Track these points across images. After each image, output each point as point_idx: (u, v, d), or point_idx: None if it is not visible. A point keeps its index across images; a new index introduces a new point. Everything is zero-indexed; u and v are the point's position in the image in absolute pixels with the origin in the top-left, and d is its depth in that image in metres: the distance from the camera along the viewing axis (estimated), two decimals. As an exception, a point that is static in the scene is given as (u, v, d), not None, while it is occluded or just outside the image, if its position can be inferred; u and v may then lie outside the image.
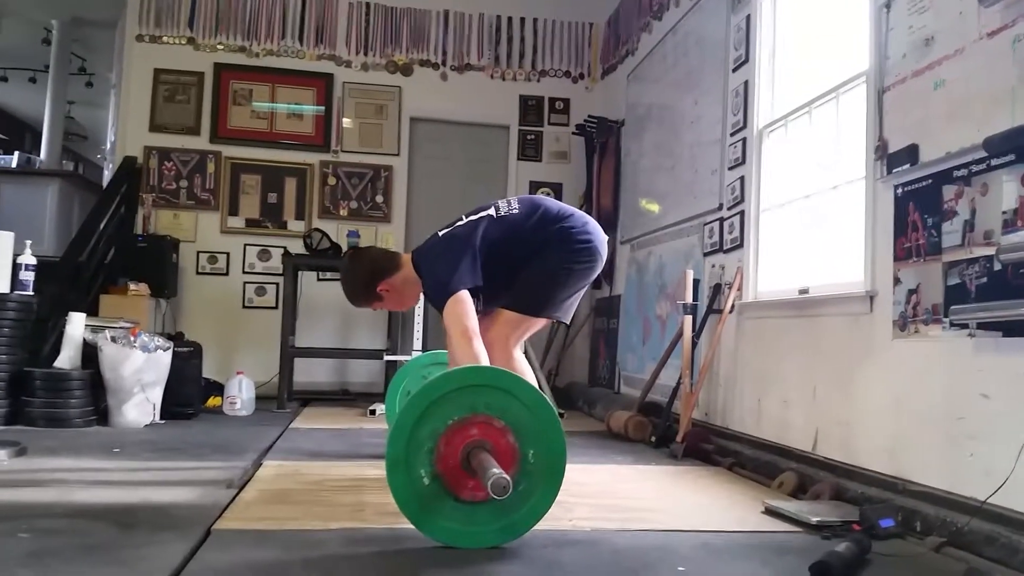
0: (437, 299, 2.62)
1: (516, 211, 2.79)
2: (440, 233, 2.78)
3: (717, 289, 4.09)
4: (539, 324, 2.86)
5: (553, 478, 2.13)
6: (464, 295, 2.55)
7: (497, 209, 2.79)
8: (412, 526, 2.18)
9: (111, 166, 6.51)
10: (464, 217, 2.79)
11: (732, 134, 4.11)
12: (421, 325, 5.09)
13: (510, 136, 6.73)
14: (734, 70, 4.14)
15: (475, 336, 2.48)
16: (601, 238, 2.85)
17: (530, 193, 6.65)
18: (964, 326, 2.34)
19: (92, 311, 4.86)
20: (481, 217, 2.75)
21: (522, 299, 2.78)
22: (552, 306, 2.79)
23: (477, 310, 2.63)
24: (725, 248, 4.10)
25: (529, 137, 6.76)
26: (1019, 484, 2.09)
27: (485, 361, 2.42)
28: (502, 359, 2.68)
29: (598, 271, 2.87)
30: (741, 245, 3.91)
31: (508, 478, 1.92)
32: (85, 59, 9.13)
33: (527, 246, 2.74)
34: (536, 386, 2.71)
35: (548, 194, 6.72)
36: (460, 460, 2.06)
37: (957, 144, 2.44)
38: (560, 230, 2.76)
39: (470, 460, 2.05)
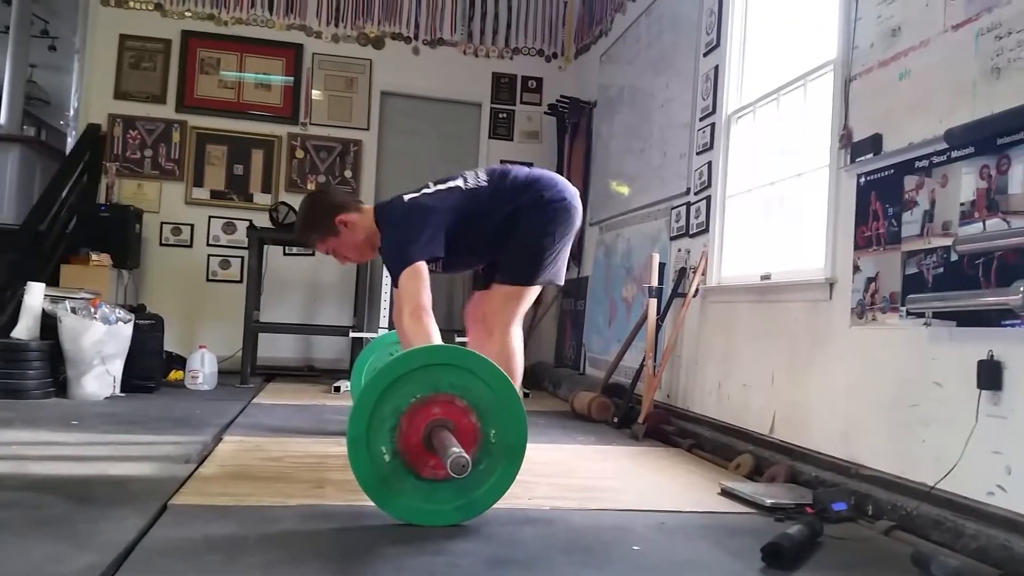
0: (393, 265, 2.56)
1: (485, 183, 2.75)
2: (405, 197, 2.70)
3: (682, 273, 4.12)
4: (534, 292, 2.82)
5: (514, 458, 2.14)
6: (421, 268, 2.50)
7: (465, 180, 2.75)
8: (372, 503, 2.18)
9: (74, 133, 6.36)
10: (431, 185, 2.74)
11: (701, 119, 4.12)
12: (388, 302, 5.07)
13: (482, 114, 6.69)
14: (705, 54, 4.15)
15: (426, 313, 2.44)
16: (572, 192, 2.85)
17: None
18: (920, 315, 2.38)
19: (52, 281, 4.77)
20: (450, 188, 2.71)
21: (512, 271, 2.77)
22: (543, 271, 2.77)
23: (433, 272, 2.60)
24: (691, 232, 4.13)
25: (501, 116, 6.73)
26: (967, 470, 2.15)
27: (437, 338, 2.39)
28: (500, 337, 2.72)
29: (577, 225, 2.87)
30: (707, 230, 3.94)
31: (468, 457, 1.93)
32: (48, 21, 8.88)
33: (500, 217, 2.72)
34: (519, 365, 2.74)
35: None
36: (422, 438, 2.07)
37: (919, 135, 2.47)
38: (533, 197, 2.75)
39: (431, 439, 2.05)
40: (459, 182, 2.75)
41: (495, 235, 2.75)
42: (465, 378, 2.10)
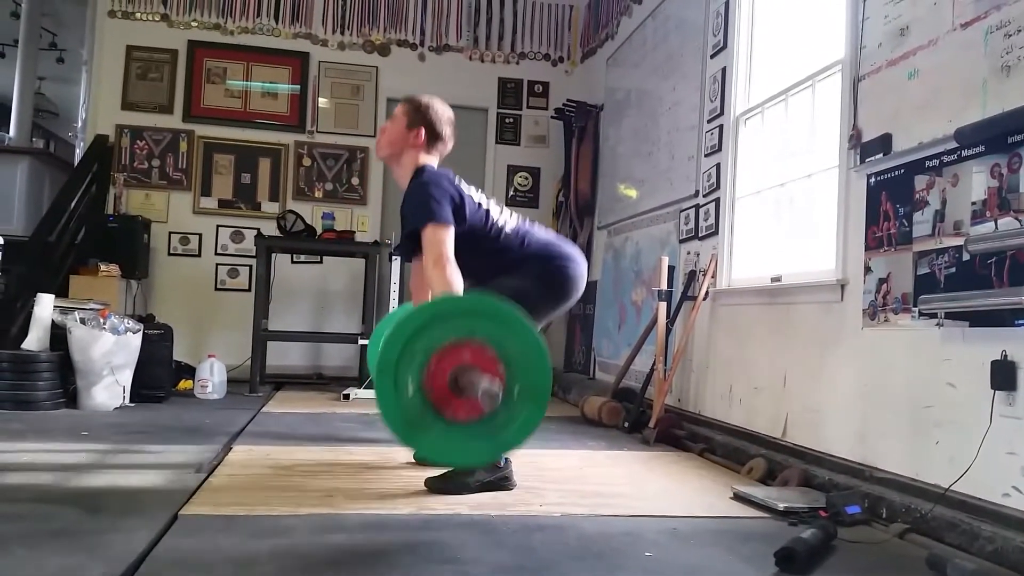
0: (416, 215, 2.54)
1: (504, 220, 2.73)
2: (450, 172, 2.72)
3: (692, 276, 4.10)
4: None
5: (539, 402, 2.12)
6: (447, 225, 2.49)
7: (496, 210, 2.73)
8: (384, 512, 2.18)
9: (82, 144, 6.40)
10: (468, 186, 2.73)
11: (709, 121, 4.11)
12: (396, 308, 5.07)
13: (488, 119, 6.69)
14: (712, 56, 4.14)
15: (450, 263, 2.42)
16: (583, 268, 2.82)
17: (507, 178, 6.65)
18: (932, 315, 2.36)
19: (61, 292, 4.79)
20: (480, 204, 2.69)
21: None
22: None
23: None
24: (700, 235, 4.11)
25: (507, 120, 6.73)
26: (981, 472, 2.13)
27: (459, 288, 2.38)
28: None
29: (573, 300, 2.83)
30: (716, 232, 3.92)
31: (499, 389, 1.93)
32: (56, 34, 8.95)
33: (507, 258, 2.69)
34: None
35: (526, 179, 6.72)
36: (448, 380, 2.05)
37: (929, 134, 2.45)
38: (544, 247, 2.73)
39: (458, 380, 2.04)
40: (480, 197, 2.72)
41: (489, 269, 2.68)
42: (500, 330, 2.09)
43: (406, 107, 2.80)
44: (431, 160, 2.77)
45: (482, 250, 2.66)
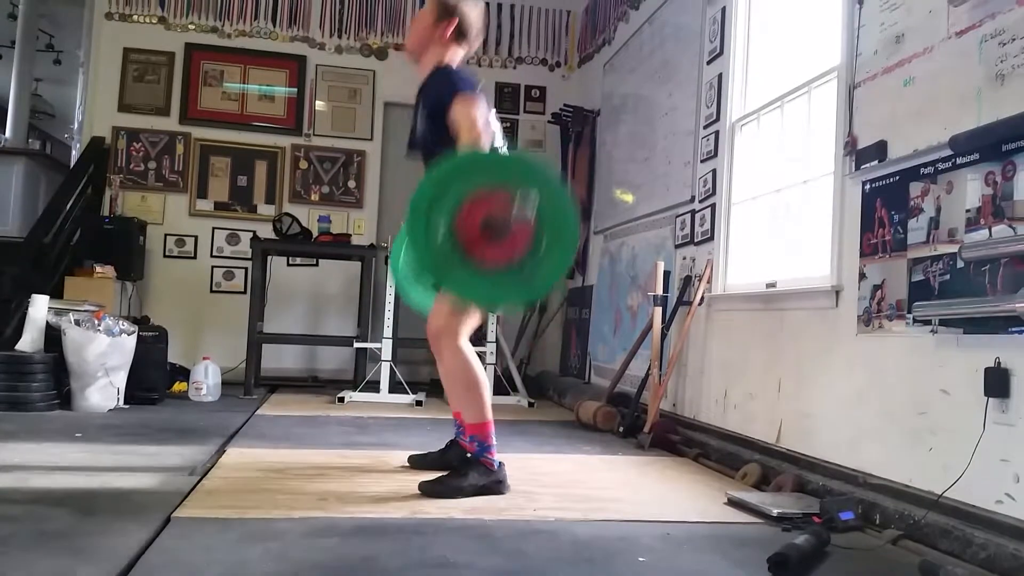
0: (443, 91, 2.55)
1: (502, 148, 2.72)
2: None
3: (687, 281, 4.10)
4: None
5: (566, 248, 2.21)
6: (478, 98, 2.52)
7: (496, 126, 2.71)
8: (377, 516, 2.18)
9: (78, 146, 6.39)
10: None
11: (705, 127, 4.12)
12: (392, 312, 5.07)
13: (485, 123, 6.68)
14: (709, 62, 4.15)
15: (485, 132, 2.44)
16: None
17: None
18: (927, 322, 2.37)
19: (56, 293, 4.78)
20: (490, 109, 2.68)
21: None
22: None
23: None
24: (696, 240, 4.12)
25: (505, 125, 6.65)
26: (975, 479, 2.13)
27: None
28: (450, 356, 2.57)
29: None
30: (712, 238, 3.93)
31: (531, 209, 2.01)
32: (53, 36, 8.93)
33: None
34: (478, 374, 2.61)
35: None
36: (480, 224, 2.10)
37: (924, 142, 2.46)
38: None
39: (489, 223, 2.09)
40: (497, 131, 2.71)
41: None
42: (530, 183, 2.14)
43: (435, 1, 2.77)
44: (456, 57, 2.77)
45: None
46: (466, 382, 2.56)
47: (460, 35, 2.76)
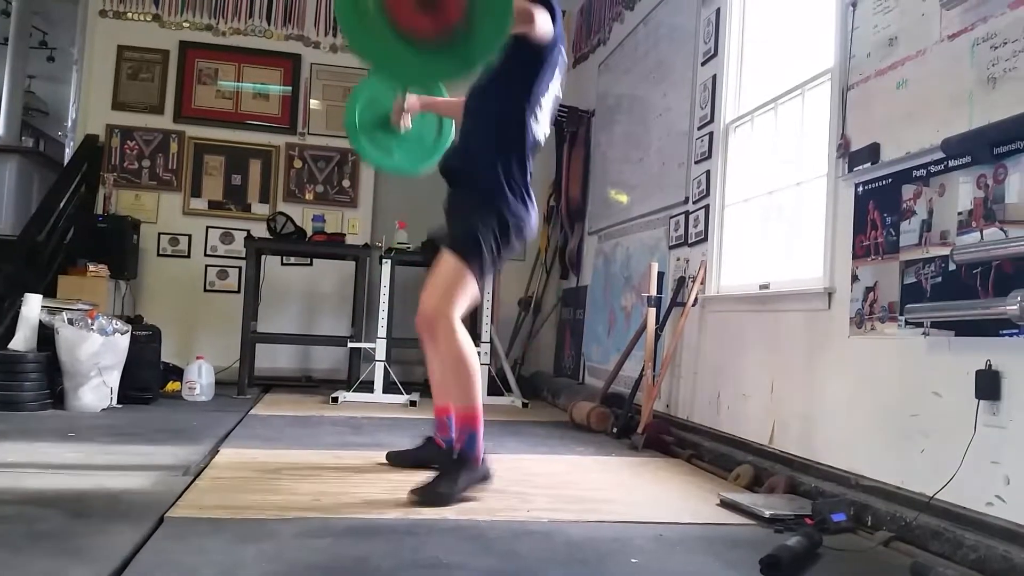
0: None
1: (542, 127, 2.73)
2: None
3: (681, 282, 4.11)
4: (471, 283, 2.60)
5: (501, 14, 2.07)
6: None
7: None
8: (371, 517, 2.18)
9: (72, 144, 6.37)
10: None
11: (699, 128, 4.13)
12: (386, 312, 5.07)
13: (480, 123, 6.68)
14: (703, 63, 4.16)
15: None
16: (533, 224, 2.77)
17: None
18: (919, 324, 2.38)
19: (49, 292, 4.76)
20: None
21: (454, 235, 2.65)
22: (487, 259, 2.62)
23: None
24: (690, 241, 4.12)
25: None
26: (966, 481, 2.14)
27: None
28: (445, 338, 2.52)
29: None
30: (705, 239, 3.94)
31: None
32: (47, 32, 8.91)
33: (509, 139, 2.65)
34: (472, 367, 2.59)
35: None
36: None
37: (917, 144, 2.47)
38: (524, 188, 2.68)
39: None
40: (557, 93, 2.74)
41: (483, 141, 2.66)
42: None
43: None
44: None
45: (508, 110, 2.63)
46: (460, 365, 2.54)
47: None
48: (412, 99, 3.04)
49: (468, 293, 2.59)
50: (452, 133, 3.20)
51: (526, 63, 2.59)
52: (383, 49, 2.08)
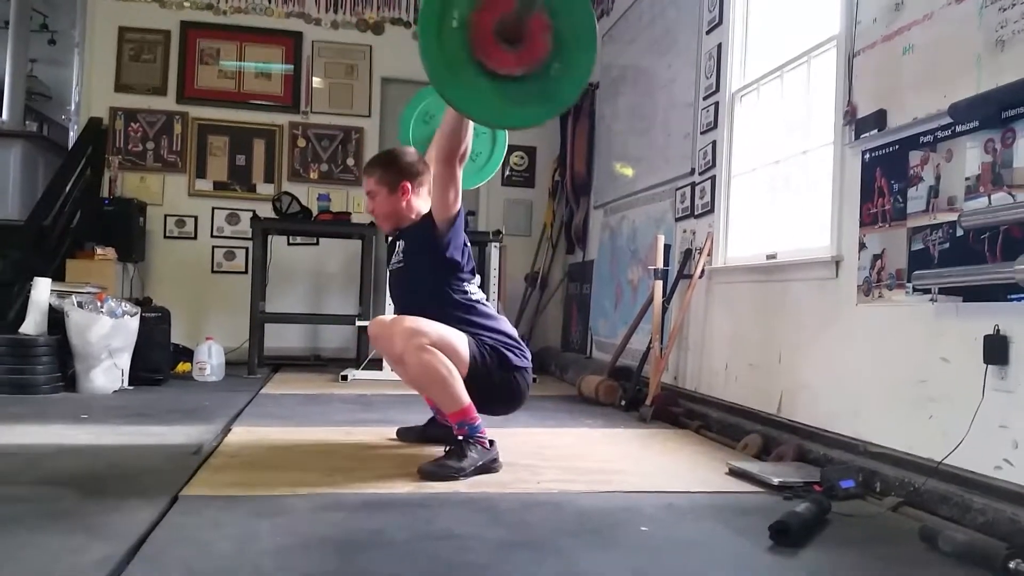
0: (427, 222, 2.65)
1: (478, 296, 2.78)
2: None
3: (688, 254, 4.11)
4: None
5: (587, 47, 2.11)
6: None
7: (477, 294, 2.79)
8: (383, 491, 2.20)
9: (76, 127, 6.37)
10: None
11: (705, 98, 4.10)
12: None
13: (483, 98, 6.65)
14: (708, 32, 4.12)
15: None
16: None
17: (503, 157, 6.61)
18: (926, 291, 2.37)
19: (58, 276, 4.79)
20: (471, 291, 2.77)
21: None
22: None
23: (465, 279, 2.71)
24: (696, 213, 4.11)
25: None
26: (974, 445, 2.15)
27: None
28: (412, 352, 2.49)
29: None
30: (712, 210, 3.93)
31: None
32: (47, 15, 8.85)
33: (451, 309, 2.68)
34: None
35: (522, 158, 6.71)
36: (494, 27, 2.02)
37: (924, 110, 2.45)
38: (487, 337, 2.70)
39: (504, 21, 2.01)
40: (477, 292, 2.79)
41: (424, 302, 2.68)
42: None
43: (376, 176, 2.83)
44: (424, 194, 2.84)
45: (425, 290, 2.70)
46: (438, 379, 2.50)
47: (418, 185, 2.83)
48: None
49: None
50: (504, 148, 3.25)
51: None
52: (468, 88, 2.07)
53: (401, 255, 2.82)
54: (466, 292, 2.72)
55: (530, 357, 2.78)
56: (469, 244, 2.79)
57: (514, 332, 2.79)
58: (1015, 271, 1.99)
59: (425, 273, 2.71)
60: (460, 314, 2.66)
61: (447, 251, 2.66)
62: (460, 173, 2.57)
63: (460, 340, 2.57)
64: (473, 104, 2.08)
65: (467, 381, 2.53)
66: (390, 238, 2.96)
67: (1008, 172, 2.13)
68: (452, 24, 2.00)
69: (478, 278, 2.82)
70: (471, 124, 2.47)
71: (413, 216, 2.83)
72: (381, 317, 3.00)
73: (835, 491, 2.32)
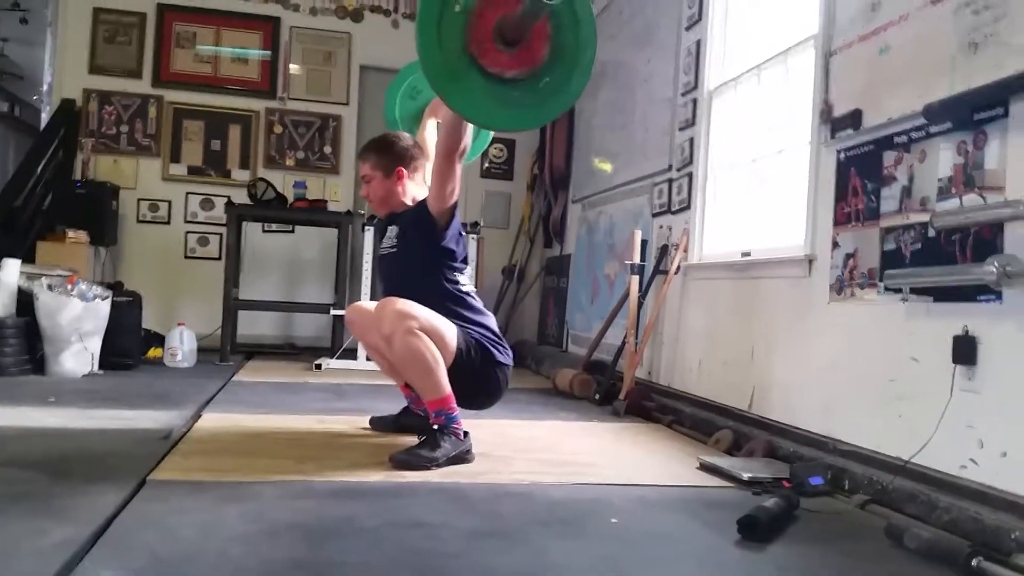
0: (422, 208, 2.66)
1: (468, 287, 2.78)
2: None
3: (664, 250, 4.12)
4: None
5: (583, 71, 2.17)
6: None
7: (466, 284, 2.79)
8: (354, 480, 2.19)
9: (49, 108, 6.26)
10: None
11: (683, 94, 4.11)
12: (369, 280, 5.05)
13: (463, 90, 6.62)
14: (687, 28, 4.13)
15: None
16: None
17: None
18: (898, 291, 2.39)
19: (28, 258, 4.71)
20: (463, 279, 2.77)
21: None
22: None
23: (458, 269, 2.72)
24: (673, 209, 4.13)
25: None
26: (941, 444, 2.18)
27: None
28: (401, 334, 2.45)
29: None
30: (689, 207, 3.94)
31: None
32: (19, -6, 8.70)
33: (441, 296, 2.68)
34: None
35: (501, 151, 6.70)
36: (493, 29, 2.01)
37: (899, 111, 2.48)
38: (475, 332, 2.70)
39: (505, 22, 2.00)
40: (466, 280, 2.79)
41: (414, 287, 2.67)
42: None
43: (371, 162, 2.84)
44: (420, 180, 2.87)
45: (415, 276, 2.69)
46: (423, 364, 2.47)
47: (413, 170, 2.85)
48: None
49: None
50: (490, 136, 3.23)
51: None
52: (470, 91, 2.06)
53: (394, 239, 2.80)
54: (457, 282, 2.72)
55: (511, 355, 2.77)
56: (464, 234, 2.79)
57: (498, 329, 2.79)
58: (984, 272, 2.02)
59: (418, 259, 2.70)
60: (450, 304, 2.65)
61: (442, 239, 2.67)
62: (459, 168, 2.58)
63: (449, 329, 2.57)
64: (470, 103, 2.08)
65: (450, 372, 2.53)
66: (376, 221, 2.95)
67: (980, 174, 2.16)
68: (455, 8, 1.99)
69: (470, 268, 2.82)
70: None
71: (408, 201, 2.83)
72: (360, 303, 2.99)
73: (804, 487, 2.34)
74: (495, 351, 2.68)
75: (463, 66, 2.03)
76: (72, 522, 1.69)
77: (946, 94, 2.26)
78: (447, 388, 2.51)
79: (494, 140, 6.59)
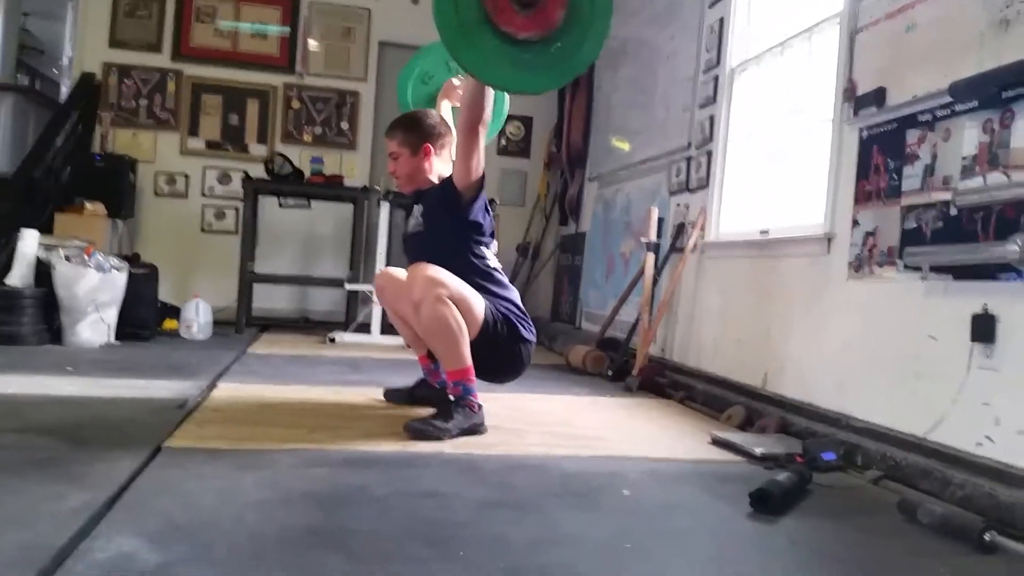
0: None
1: (495, 265, 2.76)
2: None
3: (681, 228, 4.10)
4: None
5: (603, 16, 2.17)
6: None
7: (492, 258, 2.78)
8: (368, 450, 2.20)
9: (68, 82, 6.28)
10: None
11: (705, 72, 4.07)
12: (384, 255, 5.05)
13: (481, 66, 6.59)
14: (711, 5, 4.08)
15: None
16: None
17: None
18: (917, 269, 2.38)
19: (46, 229, 4.74)
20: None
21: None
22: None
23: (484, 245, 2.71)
24: (691, 187, 4.10)
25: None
26: (957, 422, 2.16)
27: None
28: (430, 301, 2.45)
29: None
30: (707, 185, 3.91)
31: None
32: (40, -33, 8.71)
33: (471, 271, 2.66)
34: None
35: (518, 128, 6.67)
36: None
37: (924, 89, 2.44)
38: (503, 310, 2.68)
39: None
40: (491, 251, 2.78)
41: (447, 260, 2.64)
42: None
43: (398, 139, 2.83)
44: (446, 158, 2.86)
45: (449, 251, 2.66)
46: (449, 333, 2.47)
47: (440, 145, 2.84)
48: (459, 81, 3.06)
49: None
50: (505, 113, 3.22)
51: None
52: (482, 51, 2.05)
53: (420, 218, 2.79)
54: (484, 258, 2.71)
55: (535, 332, 2.77)
56: (490, 209, 2.78)
57: (523, 305, 2.78)
58: (1008, 250, 1.99)
59: (446, 235, 2.69)
60: (478, 279, 2.64)
61: (469, 212, 2.65)
62: (483, 140, 2.56)
63: (478, 301, 2.56)
64: (486, 66, 2.07)
65: (476, 344, 2.53)
66: (397, 199, 2.94)
67: (1005, 152, 2.12)
68: None
69: (496, 244, 2.81)
70: (490, 91, 2.45)
71: (434, 179, 2.82)
72: (390, 269, 2.98)
73: (816, 463, 2.33)
74: (521, 327, 2.68)
75: (476, 22, 2.02)
76: (89, 487, 1.71)
77: (973, 72, 2.23)
78: (469, 360, 2.52)
79: (511, 117, 6.57)
